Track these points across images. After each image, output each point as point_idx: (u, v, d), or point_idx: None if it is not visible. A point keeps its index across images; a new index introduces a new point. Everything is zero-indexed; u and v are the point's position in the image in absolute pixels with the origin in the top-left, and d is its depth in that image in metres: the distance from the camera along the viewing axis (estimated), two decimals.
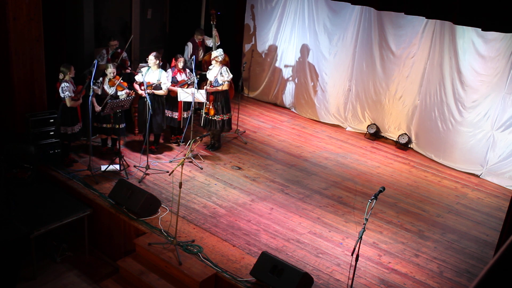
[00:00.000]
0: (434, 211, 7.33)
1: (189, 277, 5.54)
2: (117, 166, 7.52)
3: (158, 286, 5.66)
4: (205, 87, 8.12)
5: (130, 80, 8.13)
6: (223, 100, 8.26)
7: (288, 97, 10.97)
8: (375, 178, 8.19)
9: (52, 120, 7.68)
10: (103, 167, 7.53)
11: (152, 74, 7.85)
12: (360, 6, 9.06)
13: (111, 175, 7.38)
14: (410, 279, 5.74)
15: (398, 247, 6.35)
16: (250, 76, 11.15)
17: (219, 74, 8.13)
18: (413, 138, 9.33)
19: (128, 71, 8.52)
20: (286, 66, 10.87)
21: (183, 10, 10.59)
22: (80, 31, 8.59)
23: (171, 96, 8.21)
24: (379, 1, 7.19)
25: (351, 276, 4.91)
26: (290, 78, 10.85)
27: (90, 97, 7.22)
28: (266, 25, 10.97)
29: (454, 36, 8.25)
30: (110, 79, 7.56)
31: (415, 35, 8.79)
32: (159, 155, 8.19)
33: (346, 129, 10.10)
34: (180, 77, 8.34)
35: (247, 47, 11.39)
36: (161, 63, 8.09)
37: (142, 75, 7.83)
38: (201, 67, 9.50)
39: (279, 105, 11.13)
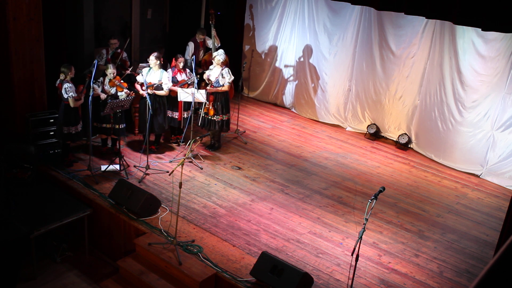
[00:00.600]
0: (434, 211, 7.33)
1: (189, 277, 5.54)
2: (117, 166, 7.52)
3: (158, 286, 5.66)
4: (206, 88, 8.13)
5: (130, 80, 8.13)
6: (223, 100, 8.26)
7: (288, 97, 10.97)
8: (375, 178, 8.19)
9: (52, 120, 7.68)
10: (103, 167, 7.53)
11: (154, 75, 7.85)
12: (360, 6, 9.06)
13: (111, 175, 7.38)
14: (410, 279, 5.74)
15: (398, 247, 6.35)
16: (250, 76, 11.14)
17: (220, 76, 8.13)
18: (413, 138, 9.33)
19: (128, 71, 8.52)
20: (286, 66, 10.87)
21: (183, 10, 10.59)
22: (80, 31, 8.58)
23: (171, 96, 8.21)
24: (379, 1, 7.18)
25: (351, 276, 4.91)
26: (290, 78, 10.85)
27: (90, 97, 7.22)
28: (266, 25, 10.97)
29: (454, 36, 8.25)
30: (110, 80, 7.56)
31: (415, 35, 8.79)
32: (159, 155, 8.19)
33: (346, 129, 10.10)
34: (180, 77, 8.34)
35: (247, 47, 11.39)
36: (162, 63, 8.09)
37: (143, 75, 7.84)
38: (201, 67, 9.50)
39: (279, 105, 11.13)
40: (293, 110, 10.92)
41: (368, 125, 9.77)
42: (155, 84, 7.79)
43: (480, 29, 6.96)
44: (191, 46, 9.53)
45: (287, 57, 10.79)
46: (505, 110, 7.98)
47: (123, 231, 6.53)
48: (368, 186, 7.86)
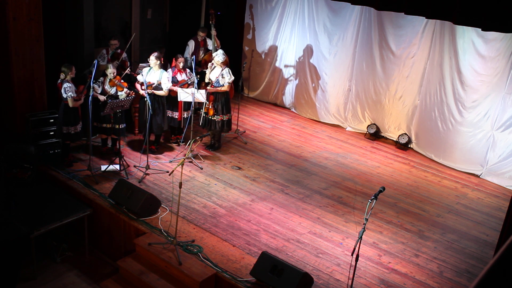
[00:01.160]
0: (434, 211, 7.33)
1: (189, 277, 5.54)
2: (117, 166, 7.52)
3: (158, 286, 5.66)
4: (206, 88, 8.13)
5: (130, 80, 8.14)
6: (223, 100, 8.26)
7: (288, 97, 10.97)
8: (375, 178, 8.19)
9: (52, 120, 7.68)
10: (103, 167, 7.53)
11: (154, 74, 7.86)
12: (360, 6, 9.06)
13: (111, 175, 7.38)
14: (410, 279, 5.74)
15: (398, 247, 6.35)
16: (250, 76, 11.15)
17: (220, 76, 8.13)
18: (413, 138, 9.33)
19: (128, 72, 8.51)
20: (286, 66, 10.87)
21: (183, 10, 10.59)
22: (80, 31, 8.59)
23: (171, 96, 8.21)
24: (379, 1, 7.18)
25: (351, 276, 4.91)
26: (290, 78, 10.85)
27: (90, 97, 7.22)
28: (266, 25, 10.97)
29: (454, 36, 8.25)
30: (110, 79, 7.56)
31: (415, 35, 8.79)
32: (159, 155, 8.19)
33: (346, 129, 10.10)
34: (180, 77, 8.34)
35: (247, 47, 11.40)
36: (162, 63, 8.09)
37: (143, 75, 7.84)
38: (201, 67, 9.50)
39: (279, 105, 11.13)
40: (293, 110, 10.92)
41: (368, 125, 9.77)
42: (154, 84, 7.79)
43: (480, 29, 6.96)
44: (191, 45, 9.52)
45: (287, 57, 10.79)
46: (505, 110, 7.98)
47: (123, 231, 6.53)
48: (368, 186, 7.86)
